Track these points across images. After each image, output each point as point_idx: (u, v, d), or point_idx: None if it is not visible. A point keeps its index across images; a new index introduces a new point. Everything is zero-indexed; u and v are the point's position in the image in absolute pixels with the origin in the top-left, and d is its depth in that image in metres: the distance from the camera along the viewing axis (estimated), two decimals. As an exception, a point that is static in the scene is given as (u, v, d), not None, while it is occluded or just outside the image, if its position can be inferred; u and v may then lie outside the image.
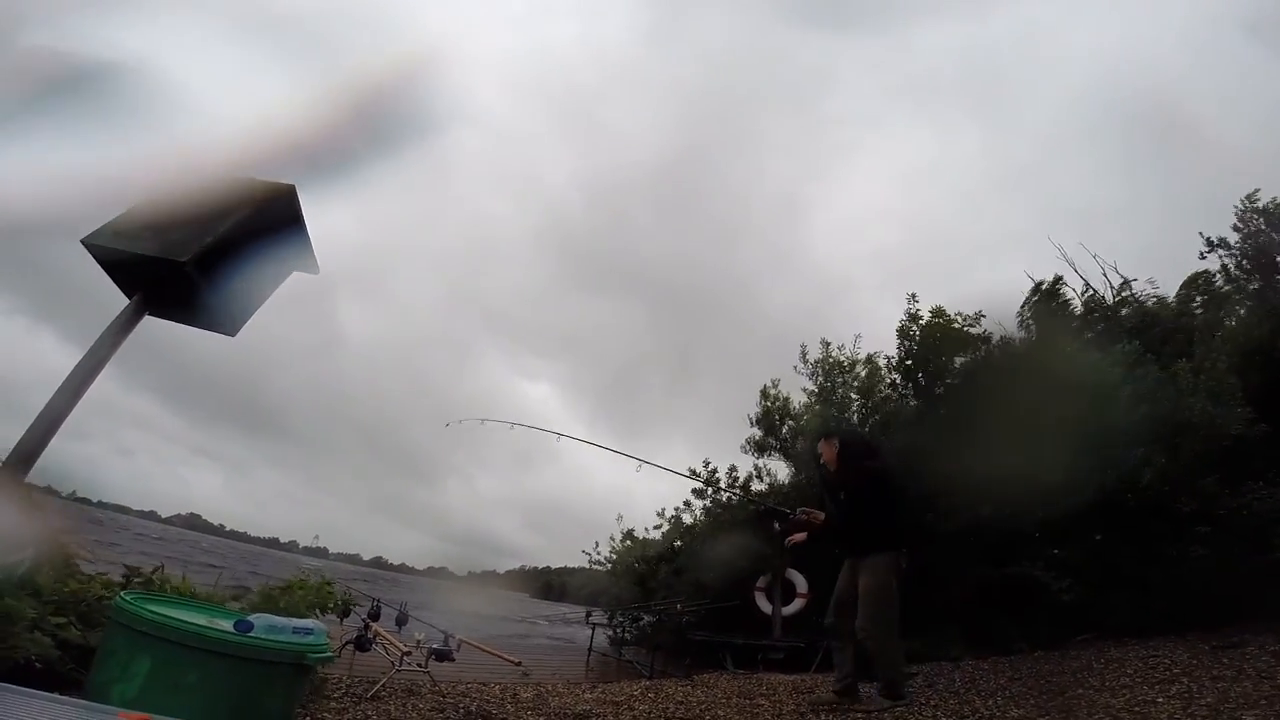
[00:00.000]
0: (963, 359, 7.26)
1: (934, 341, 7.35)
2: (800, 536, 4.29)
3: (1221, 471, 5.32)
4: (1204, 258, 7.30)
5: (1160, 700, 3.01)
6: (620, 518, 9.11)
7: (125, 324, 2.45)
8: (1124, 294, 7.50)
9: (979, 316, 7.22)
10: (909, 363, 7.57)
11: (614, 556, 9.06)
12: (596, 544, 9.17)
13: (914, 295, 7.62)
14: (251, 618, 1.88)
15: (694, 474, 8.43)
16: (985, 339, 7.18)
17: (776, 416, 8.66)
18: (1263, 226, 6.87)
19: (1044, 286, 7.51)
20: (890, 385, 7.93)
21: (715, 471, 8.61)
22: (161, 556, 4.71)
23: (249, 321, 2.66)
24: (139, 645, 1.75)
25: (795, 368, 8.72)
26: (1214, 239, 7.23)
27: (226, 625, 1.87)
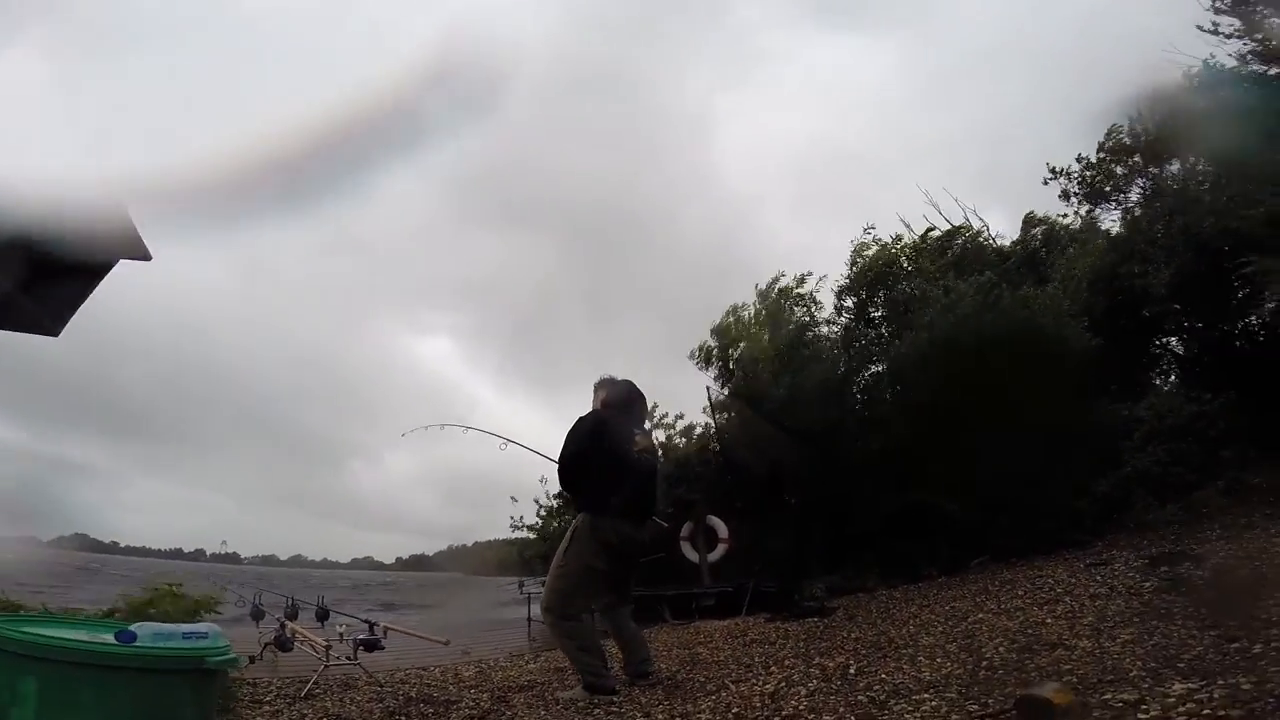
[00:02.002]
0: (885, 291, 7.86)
1: (877, 271, 7.95)
2: None
3: (1071, 386, 5.89)
4: (1046, 184, 8.15)
5: (1049, 621, 3.34)
6: (544, 479, 8.96)
7: None
8: (979, 235, 8.81)
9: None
10: (862, 292, 8.04)
11: (543, 517, 8.97)
12: (521, 516, 9.03)
13: (870, 226, 8.39)
14: (134, 627, 1.72)
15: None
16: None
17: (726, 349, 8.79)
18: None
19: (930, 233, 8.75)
20: (838, 310, 8.32)
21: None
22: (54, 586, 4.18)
23: (73, 319, 2.34)
24: (20, 668, 1.59)
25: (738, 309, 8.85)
26: (1056, 168, 8.03)
27: (109, 638, 1.70)
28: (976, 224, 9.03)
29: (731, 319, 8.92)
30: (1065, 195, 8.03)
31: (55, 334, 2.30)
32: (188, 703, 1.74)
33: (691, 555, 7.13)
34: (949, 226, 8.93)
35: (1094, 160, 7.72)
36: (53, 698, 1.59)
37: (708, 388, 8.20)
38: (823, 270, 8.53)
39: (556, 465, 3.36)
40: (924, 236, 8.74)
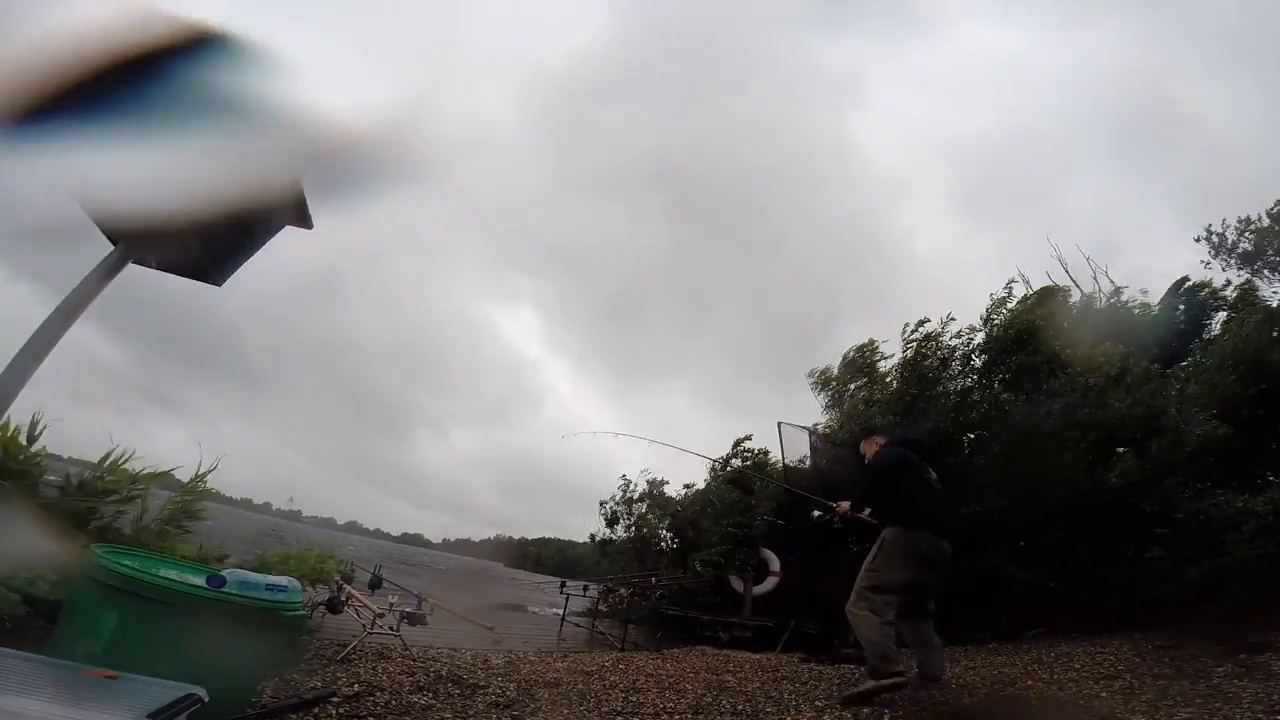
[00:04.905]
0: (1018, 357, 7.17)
1: (1014, 333, 7.18)
2: (844, 506, 4.20)
3: (1184, 477, 5.48)
4: (1198, 241, 7.30)
5: (1104, 695, 3.13)
6: (629, 481, 8.97)
7: (108, 271, 2.40)
8: (1114, 299, 7.76)
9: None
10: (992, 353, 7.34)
11: (628, 517, 8.95)
12: (602, 503, 9.11)
13: (1013, 281, 7.63)
14: (225, 573, 1.87)
15: (733, 462, 8.47)
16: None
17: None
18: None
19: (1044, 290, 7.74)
20: (964, 362, 7.60)
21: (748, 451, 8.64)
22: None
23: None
24: (106, 600, 1.72)
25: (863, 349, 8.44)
26: (1212, 227, 7.18)
27: (199, 581, 1.86)
28: (1105, 285, 8.25)
29: (860, 354, 8.57)
30: (1216, 250, 7.14)
31: (219, 284, 2.57)
32: (252, 651, 1.87)
33: (737, 585, 7.04)
34: (1072, 286, 8.22)
35: (1262, 223, 6.85)
36: (129, 632, 1.70)
37: (780, 425, 8.02)
38: (956, 309, 8.01)
39: (868, 478, 3.87)
40: (1046, 296, 7.79)
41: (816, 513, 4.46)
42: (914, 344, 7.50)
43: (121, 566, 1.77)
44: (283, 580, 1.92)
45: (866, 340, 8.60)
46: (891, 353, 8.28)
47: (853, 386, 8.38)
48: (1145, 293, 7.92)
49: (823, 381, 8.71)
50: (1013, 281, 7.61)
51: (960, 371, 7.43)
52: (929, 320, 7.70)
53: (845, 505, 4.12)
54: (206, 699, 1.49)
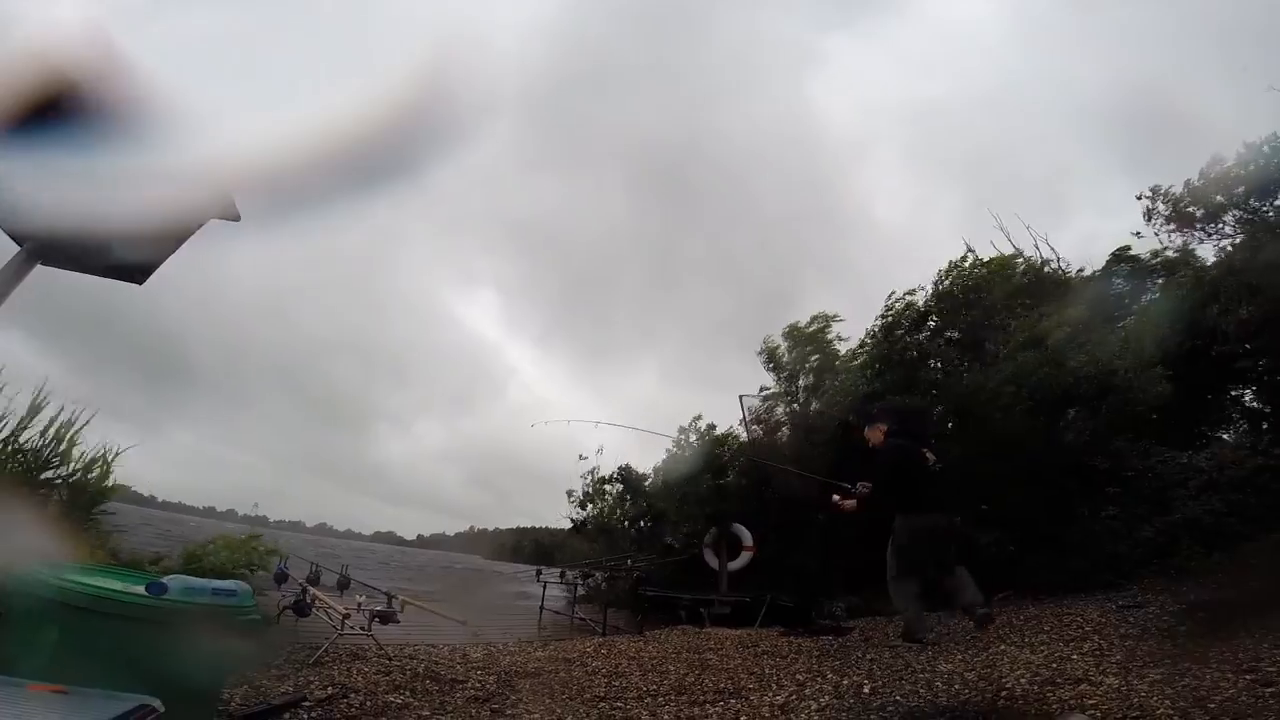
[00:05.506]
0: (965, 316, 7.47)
1: (960, 294, 7.55)
2: (851, 504, 4.64)
3: (1133, 434, 5.69)
4: (1139, 198, 7.56)
5: (1075, 657, 3.21)
6: (591, 457, 8.84)
7: (14, 274, 2.21)
8: (1056, 266, 8.04)
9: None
10: (940, 312, 7.64)
11: (594, 501, 8.92)
12: (569, 493, 9.02)
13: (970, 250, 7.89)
14: (166, 579, 1.76)
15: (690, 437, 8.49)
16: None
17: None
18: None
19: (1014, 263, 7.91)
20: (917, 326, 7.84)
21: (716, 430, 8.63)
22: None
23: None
24: (44, 614, 1.62)
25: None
26: (1158, 188, 7.43)
27: (140, 589, 1.74)
28: (1046, 252, 8.37)
29: (817, 327, 8.69)
30: (1149, 215, 7.45)
31: (140, 282, 2.40)
32: (205, 659, 1.77)
33: (712, 562, 7.08)
34: (1013, 251, 8.28)
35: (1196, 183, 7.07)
36: (71, 647, 1.61)
37: (741, 398, 8.06)
38: (913, 276, 8.14)
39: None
40: (998, 262, 8.05)
41: (835, 496, 4.66)
42: (892, 314, 7.68)
43: (52, 579, 1.65)
44: (230, 584, 1.81)
45: (815, 315, 8.81)
46: (846, 332, 8.55)
47: (807, 365, 8.50)
48: (1080, 269, 8.32)
49: (770, 355, 8.82)
50: (970, 251, 7.86)
51: (915, 333, 7.68)
52: (913, 291, 7.89)
53: (850, 503, 4.58)
54: (161, 709, 1.40)
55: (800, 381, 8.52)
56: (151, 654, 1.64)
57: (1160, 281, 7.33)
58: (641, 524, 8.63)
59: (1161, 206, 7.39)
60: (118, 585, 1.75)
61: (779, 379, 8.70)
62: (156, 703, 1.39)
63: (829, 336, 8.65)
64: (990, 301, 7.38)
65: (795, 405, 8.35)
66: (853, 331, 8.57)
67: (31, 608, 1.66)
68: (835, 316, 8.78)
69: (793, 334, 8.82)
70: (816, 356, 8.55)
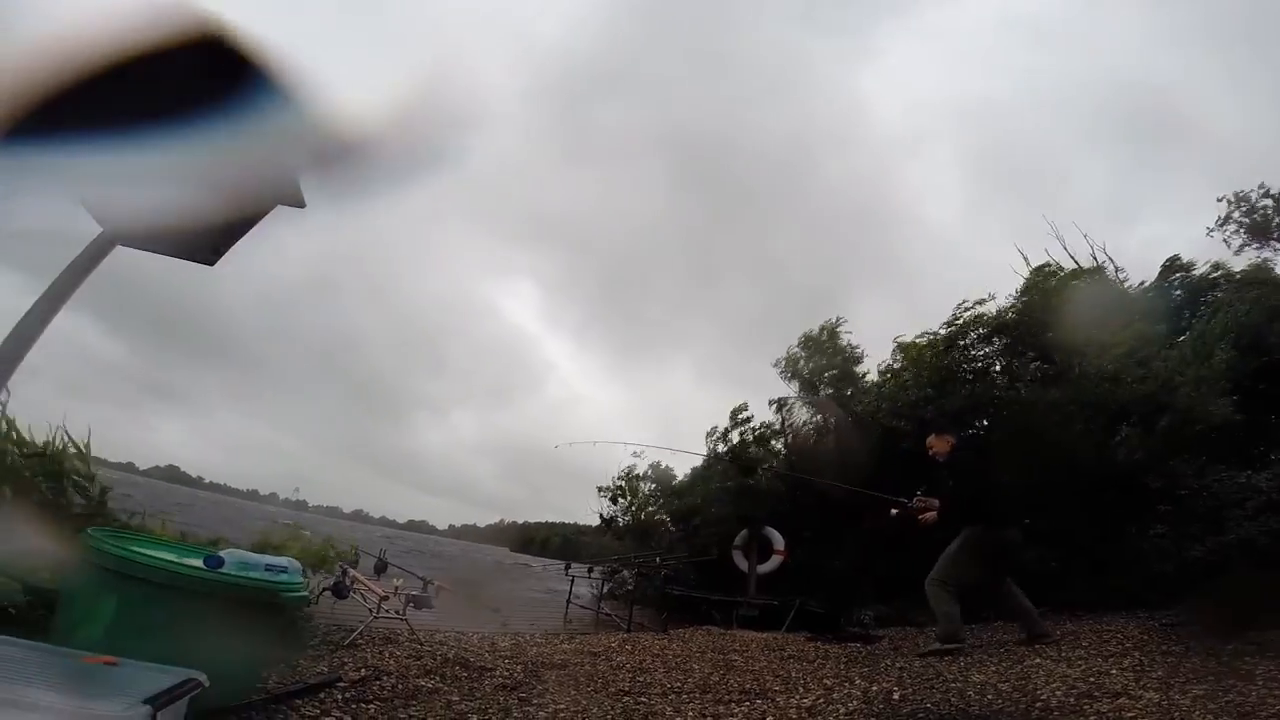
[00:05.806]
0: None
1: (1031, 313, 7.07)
2: (932, 515, 4.39)
3: (1192, 454, 5.44)
4: (1220, 200, 7.19)
5: (1114, 672, 3.10)
6: (639, 455, 8.80)
7: (96, 255, 2.35)
8: (1112, 276, 7.65)
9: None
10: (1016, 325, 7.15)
11: (629, 496, 8.88)
12: (600, 489, 9.05)
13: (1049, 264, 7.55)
14: (223, 553, 1.84)
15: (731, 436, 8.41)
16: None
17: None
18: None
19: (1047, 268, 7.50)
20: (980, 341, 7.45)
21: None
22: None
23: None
24: (104, 585, 1.70)
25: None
26: (1240, 192, 7.08)
27: (197, 563, 1.83)
28: (1104, 260, 8.03)
29: (827, 336, 8.57)
30: (1224, 220, 7.12)
31: (212, 263, 2.52)
32: (253, 634, 1.85)
33: (741, 564, 7.04)
34: (1074, 266, 7.85)
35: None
36: (127, 617, 1.68)
37: (776, 403, 7.98)
38: (966, 277, 7.87)
39: (960, 502, 4.30)
40: (1057, 275, 7.57)
41: (894, 510, 4.57)
42: (959, 323, 7.34)
43: (117, 549, 1.74)
44: (282, 560, 1.88)
45: (824, 323, 8.70)
46: (857, 345, 8.38)
47: (825, 376, 8.39)
48: (1140, 281, 7.90)
49: (789, 365, 8.69)
50: (1045, 265, 7.47)
51: (985, 345, 7.35)
52: (983, 301, 7.44)
53: (931, 515, 4.33)
54: (207, 683, 1.47)
55: (821, 392, 8.37)
56: (203, 628, 1.71)
57: (1219, 295, 6.96)
58: (671, 523, 8.63)
59: (1239, 214, 7.03)
60: (173, 558, 1.83)
61: (800, 389, 8.54)
62: (203, 677, 1.46)
63: (841, 343, 8.53)
64: (1067, 315, 7.04)
65: (820, 416, 8.21)
66: (903, 330, 8.19)
67: (91, 580, 1.74)
68: (841, 320, 8.69)
69: (807, 343, 8.70)
70: (833, 370, 8.44)
